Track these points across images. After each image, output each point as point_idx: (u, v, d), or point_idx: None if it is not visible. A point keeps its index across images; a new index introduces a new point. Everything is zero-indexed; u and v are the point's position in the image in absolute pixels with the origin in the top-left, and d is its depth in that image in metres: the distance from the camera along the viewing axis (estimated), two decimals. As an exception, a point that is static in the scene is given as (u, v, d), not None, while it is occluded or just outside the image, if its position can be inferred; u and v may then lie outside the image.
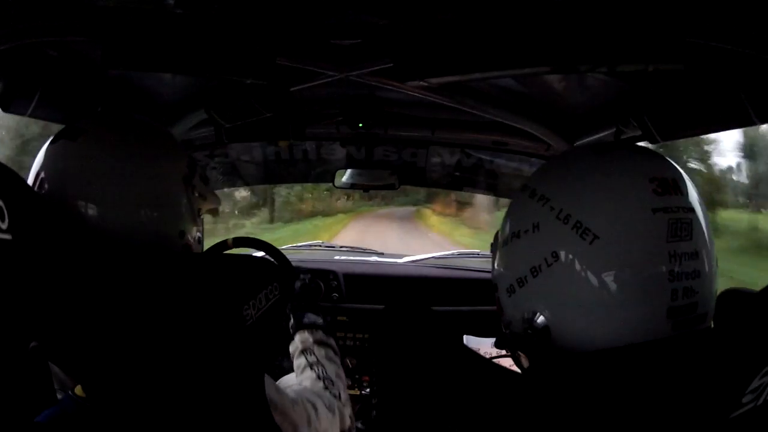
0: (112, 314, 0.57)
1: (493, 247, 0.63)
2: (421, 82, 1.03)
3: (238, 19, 0.80)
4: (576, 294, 0.51)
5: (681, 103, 0.90)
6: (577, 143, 1.27)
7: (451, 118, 1.43)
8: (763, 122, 0.75)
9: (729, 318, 0.50)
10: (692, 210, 0.51)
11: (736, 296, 0.55)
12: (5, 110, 0.93)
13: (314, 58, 0.96)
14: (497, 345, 0.67)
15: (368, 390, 1.53)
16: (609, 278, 0.49)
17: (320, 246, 2.13)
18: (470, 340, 1.47)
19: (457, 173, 1.87)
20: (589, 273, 0.50)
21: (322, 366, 0.89)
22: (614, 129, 1.04)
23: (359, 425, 1.46)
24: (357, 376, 1.54)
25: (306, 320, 0.96)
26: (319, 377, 0.86)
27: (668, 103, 0.92)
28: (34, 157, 0.73)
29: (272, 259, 1.10)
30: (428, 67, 1.00)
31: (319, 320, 0.97)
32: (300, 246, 2.10)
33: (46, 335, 0.53)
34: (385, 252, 2.12)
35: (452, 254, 1.98)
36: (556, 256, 0.52)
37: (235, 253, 1.11)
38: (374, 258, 2.05)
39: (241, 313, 0.62)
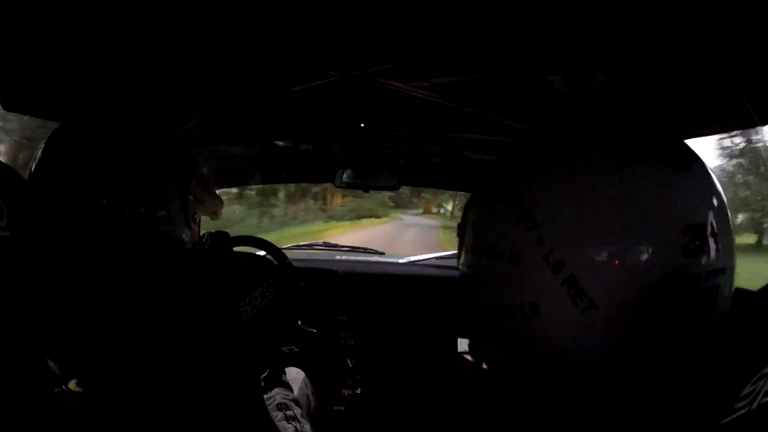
0: (109, 311, 0.57)
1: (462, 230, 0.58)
2: (422, 83, 1.03)
3: (239, 19, 0.80)
4: None
5: (681, 104, 0.90)
6: None
7: (452, 118, 1.43)
8: (763, 123, 0.75)
9: (725, 318, 0.49)
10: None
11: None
12: (6, 108, 0.94)
13: (317, 59, 0.96)
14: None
15: (360, 390, 1.53)
16: None
17: (321, 246, 2.13)
18: (463, 343, 1.47)
19: (457, 173, 1.87)
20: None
21: (299, 422, 0.94)
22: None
23: (358, 425, 1.46)
24: (357, 376, 1.54)
25: (282, 352, 1.02)
26: (297, 430, 0.92)
27: (669, 103, 0.92)
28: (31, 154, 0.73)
29: (272, 258, 1.10)
30: (430, 68, 1.00)
31: (294, 349, 1.03)
32: (301, 245, 2.10)
33: (44, 331, 0.53)
34: (386, 252, 2.12)
35: (453, 255, 1.98)
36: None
37: (235, 251, 1.12)
38: (375, 258, 2.05)
39: (237, 310, 0.62)
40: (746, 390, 0.38)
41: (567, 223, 0.45)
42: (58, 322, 0.55)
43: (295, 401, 1.01)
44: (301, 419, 0.95)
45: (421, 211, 21.72)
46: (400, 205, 19.77)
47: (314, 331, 1.19)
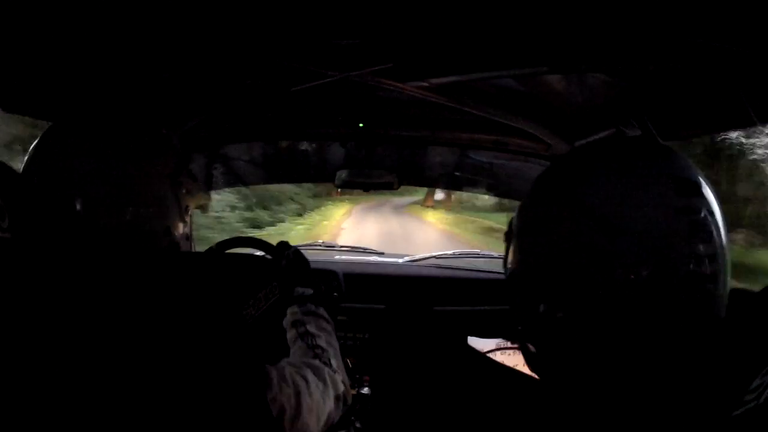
0: (109, 313, 0.57)
1: (509, 237, 0.63)
2: (421, 83, 1.03)
3: (238, 20, 0.80)
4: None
5: (681, 104, 0.90)
6: (577, 143, 1.27)
7: (451, 118, 1.43)
8: (763, 122, 0.75)
9: (730, 317, 0.50)
10: (712, 213, 0.51)
11: (737, 296, 0.55)
12: (5, 109, 0.94)
13: (315, 59, 0.96)
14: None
15: (367, 389, 1.53)
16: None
17: (320, 246, 2.13)
18: (473, 341, 1.47)
19: (457, 173, 1.87)
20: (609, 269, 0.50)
21: (311, 335, 0.88)
22: (614, 129, 1.04)
23: (358, 425, 1.46)
24: (357, 376, 1.54)
25: (294, 293, 0.97)
26: (309, 346, 0.86)
27: (669, 103, 0.92)
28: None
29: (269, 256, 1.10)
30: (429, 68, 1.00)
31: (308, 291, 0.98)
32: (300, 246, 2.10)
33: (45, 332, 0.53)
34: (385, 252, 2.12)
35: (453, 254, 1.98)
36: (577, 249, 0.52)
37: (236, 253, 1.12)
38: (374, 258, 2.05)
39: (241, 313, 0.62)
40: (755, 383, 0.40)
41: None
42: (58, 324, 0.55)
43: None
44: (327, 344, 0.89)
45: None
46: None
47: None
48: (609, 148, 0.58)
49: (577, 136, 1.27)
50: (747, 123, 0.77)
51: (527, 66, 0.89)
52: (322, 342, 0.87)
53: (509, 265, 0.61)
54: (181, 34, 0.83)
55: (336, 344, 0.91)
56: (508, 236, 0.63)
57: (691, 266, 0.48)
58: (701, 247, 0.49)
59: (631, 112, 0.98)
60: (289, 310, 0.94)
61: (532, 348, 0.61)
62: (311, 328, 0.89)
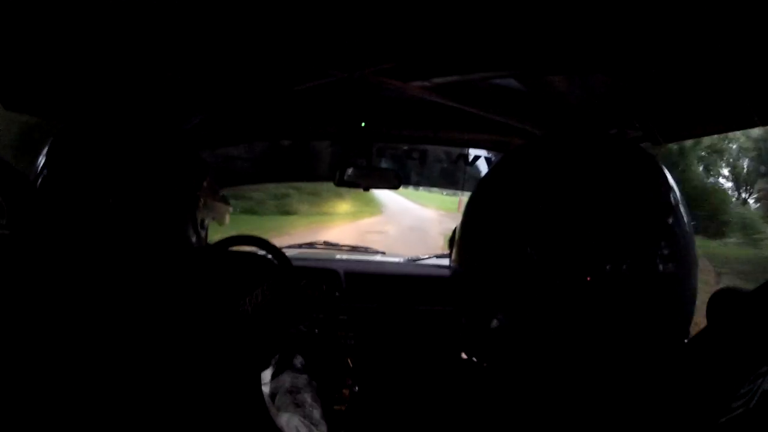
0: (106, 308, 0.57)
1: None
2: (423, 82, 1.03)
3: (241, 19, 0.80)
4: None
5: (682, 104, 0.90)
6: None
7: (453, 118, 1.43)
8: (764, 123, 0.75)
9: (721, 318, 0.49)
10: (675, 210, 0.48)
11: (728, 296, 0.54)
12: (6, 108, 0.94)
13: (317, 58, 0.96)
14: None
15: (358, 388, 1.53)
16: None
17: (321, 245, 2.13)
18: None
19: (458, 173, 1.87)
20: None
21: (309, 407, 0.95)
22: (615, 129, 1.04)
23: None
24: (357, 375, 1.54)
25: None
26: (304, 418, 0.92)
27: (669, 103, 0.92)
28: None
29: (272, 257, 1.10)
30: (431, 67, 1.00)
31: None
32: (301, 245, 2.10)
33: (42, 326, 0.54)
34: (387, 251, 2.12)
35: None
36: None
37: (237, 251, 1.12)
38: (376, 257, 2.05)
39: (239, 308, 0.63)
40: (743, 389, 0.38)
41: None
42: (57, 319, 0.55)
43: (307, 383, 1.01)
44: (312, 402, 0.95)
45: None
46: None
47: (316, 330, 1.18)
48: (566, 141, 0.54)
49: (578, 136, 1.27)
50: (748, 123, 0.77)
51: (528, 66, 0.89)
52: (316, 415, 0.96)
53: (452, 264, 0.56)
54: (184, 33, 0.83)
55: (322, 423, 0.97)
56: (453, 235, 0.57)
57: (655, 264, 0.45)
58: (665, 246, 0.46)
59: (631, 113, 0.98)
60: (286, 375, 1.00)
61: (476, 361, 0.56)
62: (306, 404, 0.98)
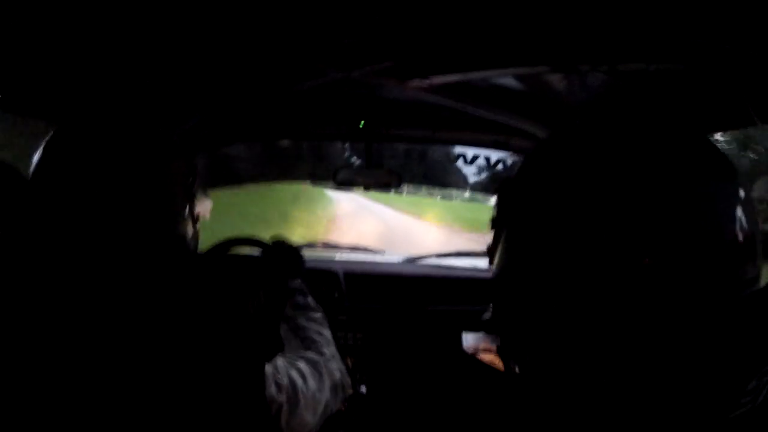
0: (103, 312, 0.57)
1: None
2: (422, 81, 1.03)
3: (239, 19, 0.80)
4: None
5: (682, 104, 0.90)
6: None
7: (452, 118, 1.43)
8: (764, 122, 0.75)
9: (728, 315, 0.49)
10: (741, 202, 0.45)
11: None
12: (4, 109, 0.94)
13: (316, 57, 0.96)
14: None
15: (364, 388, 1.53)
16: None
17: (320, 245, 2.12)
18: (467, 338, 1.46)
19: (458, 172, 1.87)
20: None
21: (302, 328, 0.90)
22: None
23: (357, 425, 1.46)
24: (357, 376, 1.54)
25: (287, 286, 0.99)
26: (301, 340, 0.88)
27: (669, 103, 0.92)
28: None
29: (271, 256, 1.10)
30: (430, 66, 1.00)
31: (296, 282, 0.99)
32: (300, 245, 2.10)
33: (41, 331, 0.53)
34: (386, 251, 2.12)
35: (453, 253, 1.97)
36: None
37: (238, 254, 1.12)
38: (375, 257, 2.05)
39: (245, 311, 0.63)
40: (751, 385, 0.39)
41: None
42: (54, 323, 0.55)
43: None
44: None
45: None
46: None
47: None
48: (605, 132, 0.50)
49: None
50: (748, 123, 0.77)
51: (527, 65, 0.89)
52: (312, 333, 0.89)
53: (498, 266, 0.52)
54: (183, 33, 0.83)
55: (327, 332, 0.92)
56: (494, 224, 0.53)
57: (702, 256, 0.41)
58: (714, 239, 0.42)
59: (631, 113, 0.97)
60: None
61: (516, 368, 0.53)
62: (301, 321, 0.91)
